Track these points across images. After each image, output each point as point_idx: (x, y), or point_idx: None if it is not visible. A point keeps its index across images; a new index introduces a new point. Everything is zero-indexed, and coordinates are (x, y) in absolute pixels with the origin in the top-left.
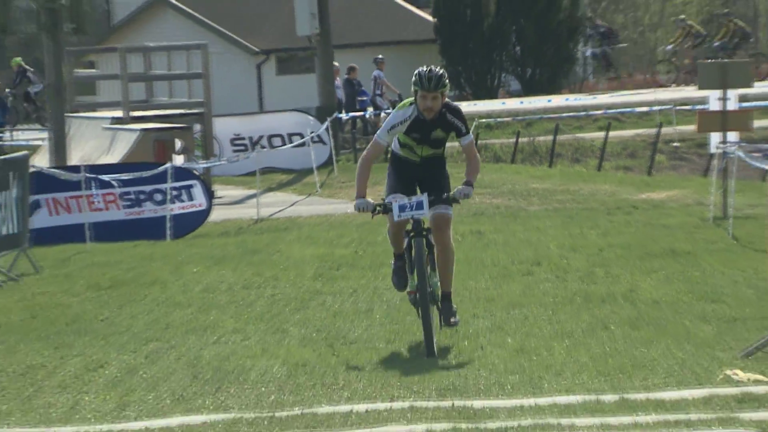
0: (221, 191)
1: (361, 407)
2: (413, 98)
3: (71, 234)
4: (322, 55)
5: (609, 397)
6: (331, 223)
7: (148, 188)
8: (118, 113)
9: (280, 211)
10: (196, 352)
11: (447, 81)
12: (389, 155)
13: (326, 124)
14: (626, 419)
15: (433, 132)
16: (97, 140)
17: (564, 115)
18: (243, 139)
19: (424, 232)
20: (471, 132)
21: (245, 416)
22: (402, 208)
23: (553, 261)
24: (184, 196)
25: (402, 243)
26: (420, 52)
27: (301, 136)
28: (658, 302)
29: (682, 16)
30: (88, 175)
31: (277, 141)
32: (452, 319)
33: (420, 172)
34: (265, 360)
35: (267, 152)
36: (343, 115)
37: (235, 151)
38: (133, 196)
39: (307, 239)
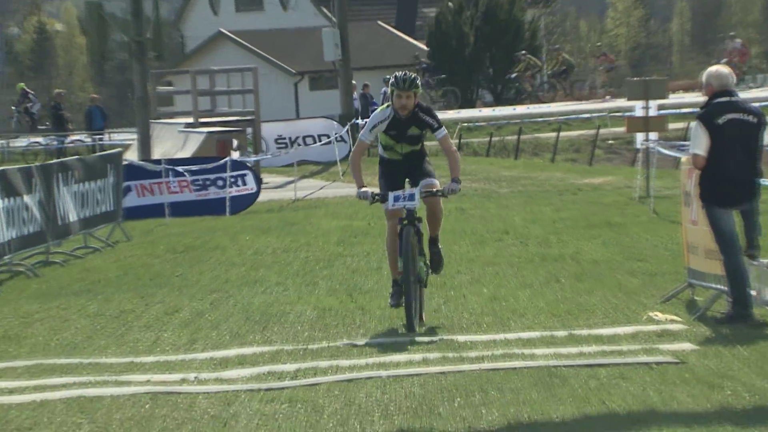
0: (267, 178)
1: (373, 341)
2: (389, 102)
3: (154, 211)
4: (344, 76)
5: (560, 333)
6: (350, 203)
7: (212, 176)
8: (190, 120)
9: (311, 193)
10: (248, 300)
11: (419, 83)
12: (378, 159)
13: (347, 127)
14: (573, 350)
15: (408, 130)
16: (174, 140)
17: (526, 120)
18: (284, 139)
19: (416, 222)
20: (443, 126)
21: (285, 348)
22: (396, 199)
23: (518, 230)
24: (239, 182)
25: (397, 266)
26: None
27: (328, 136)
28: (597, 261)
29: (524, 51)
30: (166, 166)
31: (309, 140)
32: (440, 263)
33: (404, 167)
34: (300, 306)
35: (302, 149)
36: (359, 121)
37: (277, 147)
38: (200, 182)
39: (332, 214)
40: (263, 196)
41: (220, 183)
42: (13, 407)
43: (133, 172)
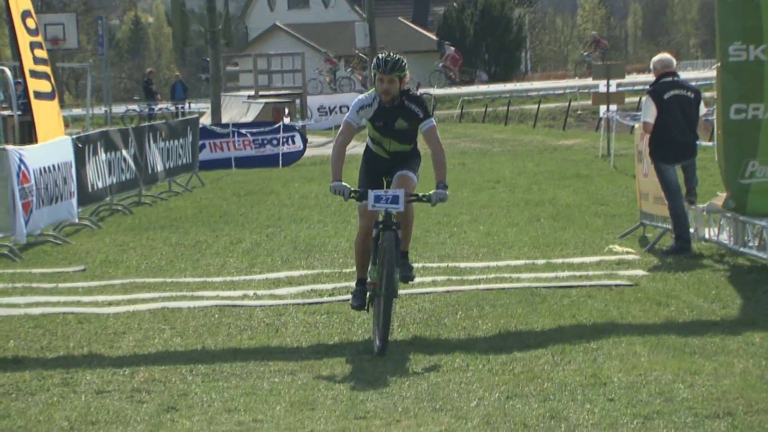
0: (311, 139)
1: None
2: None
3: (222, 164)
4: (370, 58)
5: (540, 261)
6: None
7: (268, 136)
8: (251, 93)
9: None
10: (296, 234)
11: (405, 66)
12: (364, 150)
13: None
14: (550, 274)
15: (395, 122)
16: (238, 109)
17: (515, 95)
18: (324, 108)
19: (394, 227)
20: (432, 118)
21: (324, 271)
22: (377, 199)
23: (507, 181)
24: (289, 142)
25: (367, 266)
26: (428, 58)
27: None
28: (569, 205)
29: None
30: (232, 129)
31: (344, 109)
32: (409, 273)
33: (387, 166)
34: (336, 238)
35: (338, 116)
36: None
37: (319, 115)
38: (259, 141)
39: None
40: (308, 153)
41: (274, 142)
42: (111, 316)
43: (207, 133)
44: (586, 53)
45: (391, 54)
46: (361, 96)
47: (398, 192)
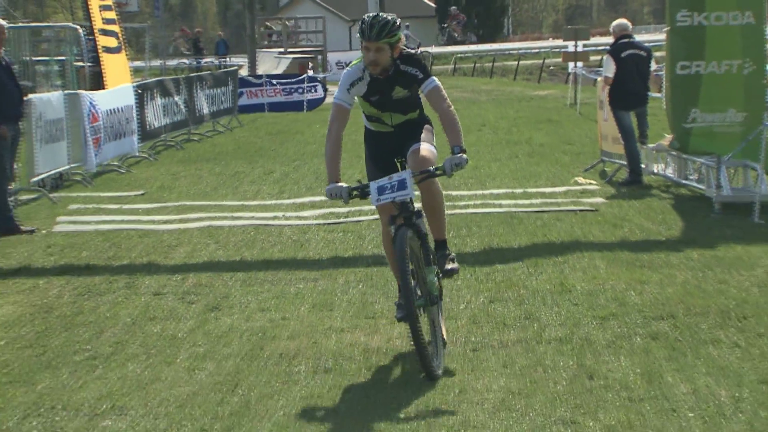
0: (331, 88)
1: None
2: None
3: (257, 108)
4: None
5: (518, 190)
6: None
7: (295, 86)
8: (281, 49)
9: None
10: (317, 166)
11: (396, 30)
12: (363, 135)
13: None
14: (526, 201)
15: (392, 92)
16: (270, 63)
17: (498, 53)
18: (341, 62)
19: (414, 219)
20: (433, 77)
21: None
22: (381, 190)
23: (491, 124)
24: (313, 90)
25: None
26: (426, 23)
27: None
28: (542, 144)
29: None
30: (266, 79)
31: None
32: (449, 266)
33: (397, 141)
34: (351, 170)
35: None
36: None
37: (337, 68)
38: (287, 90)
39: None
40: (328, 99)
41: (300, 90)
42: (165, 232)
43: (244, 82)
44: (446, 25)
45: (380, 15)
46: (348, 68)
47: (403, 175)
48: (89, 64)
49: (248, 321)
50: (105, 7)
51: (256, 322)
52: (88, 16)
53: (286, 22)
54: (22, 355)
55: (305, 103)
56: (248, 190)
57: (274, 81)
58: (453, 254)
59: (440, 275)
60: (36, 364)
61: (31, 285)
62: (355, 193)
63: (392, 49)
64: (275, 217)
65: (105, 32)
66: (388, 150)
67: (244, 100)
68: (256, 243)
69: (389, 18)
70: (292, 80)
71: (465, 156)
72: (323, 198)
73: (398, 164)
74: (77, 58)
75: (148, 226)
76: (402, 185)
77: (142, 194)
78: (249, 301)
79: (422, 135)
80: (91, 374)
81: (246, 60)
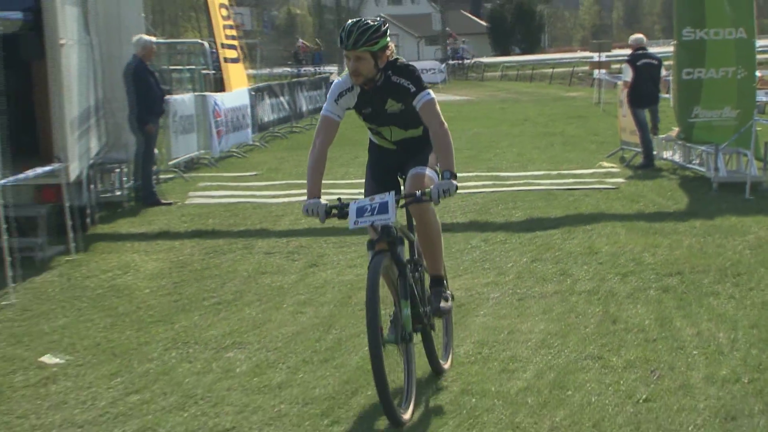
0: None
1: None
2: None
3: None
4: (442, 38)
5: (554, 172)
6: (443, 104)
7: None
8: None
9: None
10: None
11: (377, 37)
12: (368, 143)
13: (444, 65)
14: (560, 180)
15: (384, 105)
16: None
17: (537, 62)
18: None
19: (396, 244)
20: (427, 89)
21: None
22: (360, 212)
23: (532, 119)
24: None
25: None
26: (480, 38)
27: (436, 69)
28: (573, 136)
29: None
30: None
31: (425, 72)
32: (442, 305)
33: (398, 159)
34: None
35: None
36: (451, 62)
37: None
38: None
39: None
40: None
41: None
42: (274, 205)
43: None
44: (463, 42)
45: (362, 21)
46: (338, 78)
47: (386, 197)
48: (213, 71)
49: (339, 275)
50: (227, 26)
51: (346, 276)
52: (212, 33)
53: None
54: (163, 301)
55: None
56: (338, 171)
57: None
58: (449, 293)
59: (428, 313)
60: (174, 308)
61: (169, 246)
62: (333, 211)
63: (375, 57)
64: (358, 194)
65: (226, 46)
66: (389, 166)
67: None
68: None
69: (371, 24)
70: None
71: (455, 182)
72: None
73: (400, 180)
74: (204, 67)
75: (260, 199)
76: (383, 208)
77: (256, 174)
78: (340, 259)
79: (428, 158)
80: (217, 316)
81: (336, 68)
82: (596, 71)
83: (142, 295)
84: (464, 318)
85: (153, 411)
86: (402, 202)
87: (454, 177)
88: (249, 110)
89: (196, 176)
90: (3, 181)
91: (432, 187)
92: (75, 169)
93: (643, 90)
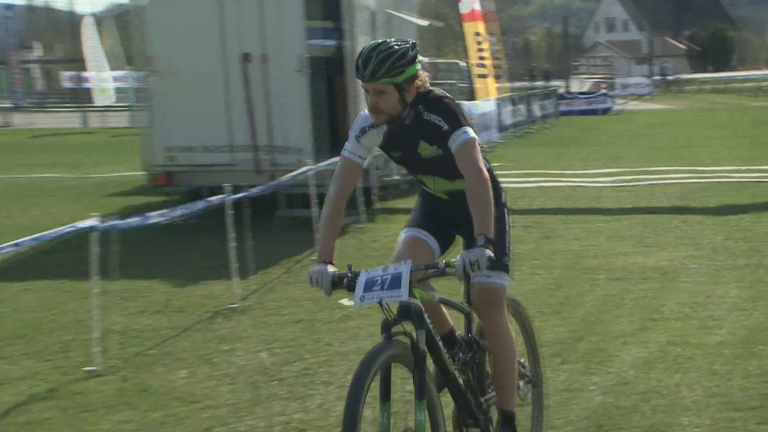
0: (618, 100)
1: None
2: None
3: (570, 113)
4: (648, 59)
5: (742, 167)
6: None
7: (593, 99)
8: (585, 76)
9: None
10: (608, 150)
11: (403, 66)
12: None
13: (650, 80)
14: (749, 174)
15: (417, 148)
16: (579, 84)
17: (729, 78)
18: (628, 84)
19: (418, 328)
20: (464, 126)
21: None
22: (368, 286)
23: (723, 124)
24: (603, 102)
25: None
26: (681, 59)
27: (642, 84)
28: (760, 137)
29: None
30: (575, 95)
31: (632, 86)
32: None
33: (454, 211)
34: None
35: (629, 88)
36: (657, 77)
37: (622, 88)
38: (588, 101)
39: None
40: (615, 108)
41: (596, 102)
42: (512, 188)
43: (562, 97)
44: (665, 61)
45: (383, 45)
46: (364, 110)
47: (400, 268)
48: (467, 84)
49: (567, 245)
50: (479, 49)
51: (572, 246)
52: (467, 55)
53: (590, 60)
54: None
55: (600, 110)
56: (567, 164)
57: (580, 96)
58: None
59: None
60: None
61: None
62: (342, 280)
63: (401, 91)
64: (582, 182)
65: (478, 65)
66: (443, 213)
67: (562, 108)
68: (570, 198)
69: (396, 48)
70: (591, 95)
71: (488, 252)
72: (615, 169)
73: (460, 240)
74: (460, 81)
75: (501, 184)
76: (394, 282)
77: (498, 165)
78: (568, 233)
79: (497, 227)
80: None
81: (563, 82)
82: None
83: None
84: (669, 283)
85: None
86: (420, 275)
87: (491, 243)
88: (494, 115)
89: None
90: (317, 166)
91: (460, 257)
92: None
93: None
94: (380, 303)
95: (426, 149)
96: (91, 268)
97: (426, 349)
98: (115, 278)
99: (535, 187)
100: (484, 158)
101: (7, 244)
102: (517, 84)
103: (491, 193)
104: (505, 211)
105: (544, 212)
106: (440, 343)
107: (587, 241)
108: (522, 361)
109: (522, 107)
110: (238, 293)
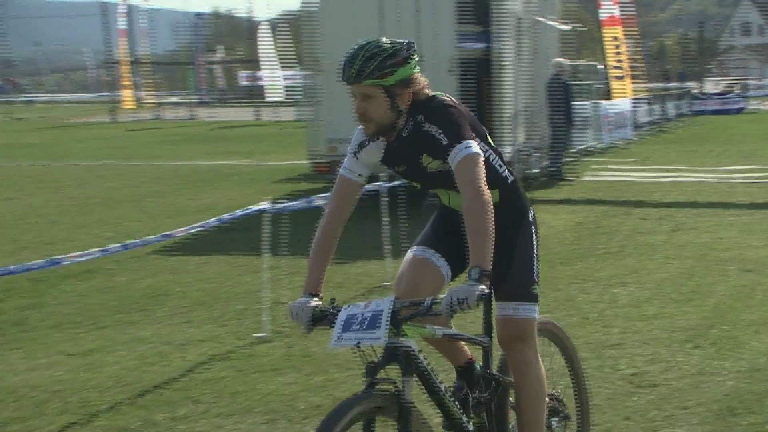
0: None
1: None
2: None
3: (704, 113)
4: None
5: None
6: None
7: (726, 99)
8: (717, 77)
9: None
10: (740, 148)
11: (397, 65)
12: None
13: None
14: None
15: (420, 161)
16: (712, 84)
17: None
18: (765, 85)
19: (405, 374)
20: (466, 140)
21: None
22: (347, 325)
23: None
24: (736, 102)
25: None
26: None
27: None
28: None
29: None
30: (709, 95)
31: (759, 88)
32: None
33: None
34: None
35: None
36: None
37: (757, 89)
38: (722, 101)
39: None
40: (749, 108)
41: (729, 102)
42: (646, 183)
43: (696, 97)
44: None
45: (373, 43)
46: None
47: (382, 305)
48: (604, 85)
49: (698, 237)
50: (617, 52)
51: (704, 238)
52: (605, 57)
53: (724, 62)
54: (566, 249)
55: (733, 110)
56: (699, 161)
57: (714, 96)
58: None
59: None
60: (574, 255)
61: (570, 209)
62: (324, 315)
63: (392, 96)
64: (714, 178)
65: (614, 67)
66: (459, 231)
67: (695, 108)
68: (702, 193)
69: (386, 46)
70: (725, 96)
71: (481, 287)
72: (746, 166)
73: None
74: (598, 82)
75: (637, 178)
76: (373, 322)
77: (634, 161)
78: (698, 226)
79: (516, 253)
80: (605, 262)
81: (698, 84)
82: None
83: (551, 243)
84: None
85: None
86: (405, 312)
87: (486, 277)
88: (629, 114)
89: (590, 160)
90: None
91: (447, 294)
92: (508, 152)
93: None
94: (358, 344)
95: (431, 163)
96: (262, 245)
97: (412, 400)
98: (284, 255)
99: (669, 182)
100: (508, 170)
101: (194, 225)
102: (651, 85)
103: (491, 218)
104: (533, 230)
105: (677, 206)
106: (442, 386)
107: (719, 233)
108: (556, 393)
109: (657, 107)
110: (390, 272)
